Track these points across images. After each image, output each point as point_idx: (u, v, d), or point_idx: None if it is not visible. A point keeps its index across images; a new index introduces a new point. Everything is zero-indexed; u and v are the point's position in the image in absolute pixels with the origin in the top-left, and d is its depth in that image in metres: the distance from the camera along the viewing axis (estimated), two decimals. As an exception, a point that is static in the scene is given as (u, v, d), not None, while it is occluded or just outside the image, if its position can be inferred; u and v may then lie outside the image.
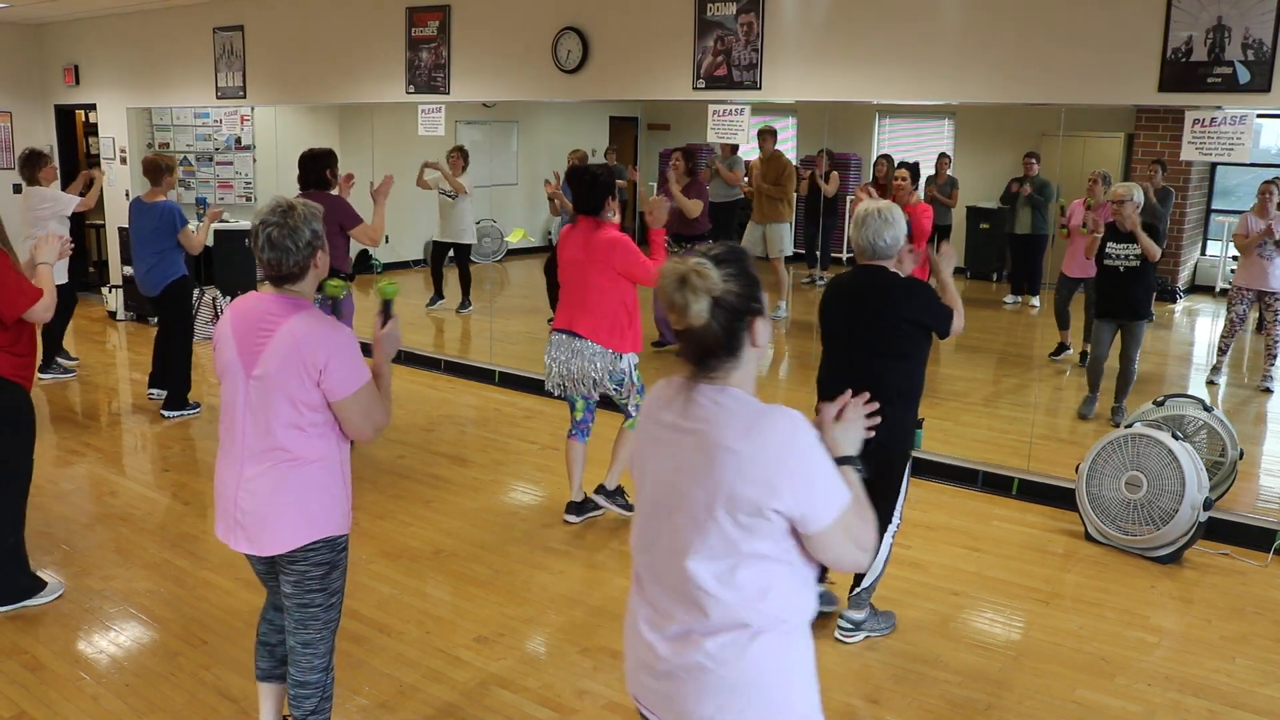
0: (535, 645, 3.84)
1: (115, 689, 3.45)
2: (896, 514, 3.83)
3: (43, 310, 3.83)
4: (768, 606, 1.78)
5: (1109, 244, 6.03)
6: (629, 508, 4.98)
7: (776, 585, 1.79)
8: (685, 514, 1.79)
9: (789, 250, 8.75)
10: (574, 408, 4.90)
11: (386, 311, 2.81)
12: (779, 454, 1.73)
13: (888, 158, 8.01)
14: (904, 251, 3.77)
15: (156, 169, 6.49)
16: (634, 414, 4.84)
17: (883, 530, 3.72)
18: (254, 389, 2.60)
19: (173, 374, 6.72)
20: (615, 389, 4.74)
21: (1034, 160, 8.17)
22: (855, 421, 2.01)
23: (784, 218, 8.66)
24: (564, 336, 4.72)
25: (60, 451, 5.96)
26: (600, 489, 4.96)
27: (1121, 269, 5.99)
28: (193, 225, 6.66)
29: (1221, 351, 7.13)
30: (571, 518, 4.95)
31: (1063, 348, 7.63)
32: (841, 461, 1.93)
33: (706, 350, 1.80)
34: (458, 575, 4.40)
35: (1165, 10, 4.76)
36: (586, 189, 4.63)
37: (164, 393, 6.80)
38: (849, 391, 2.04)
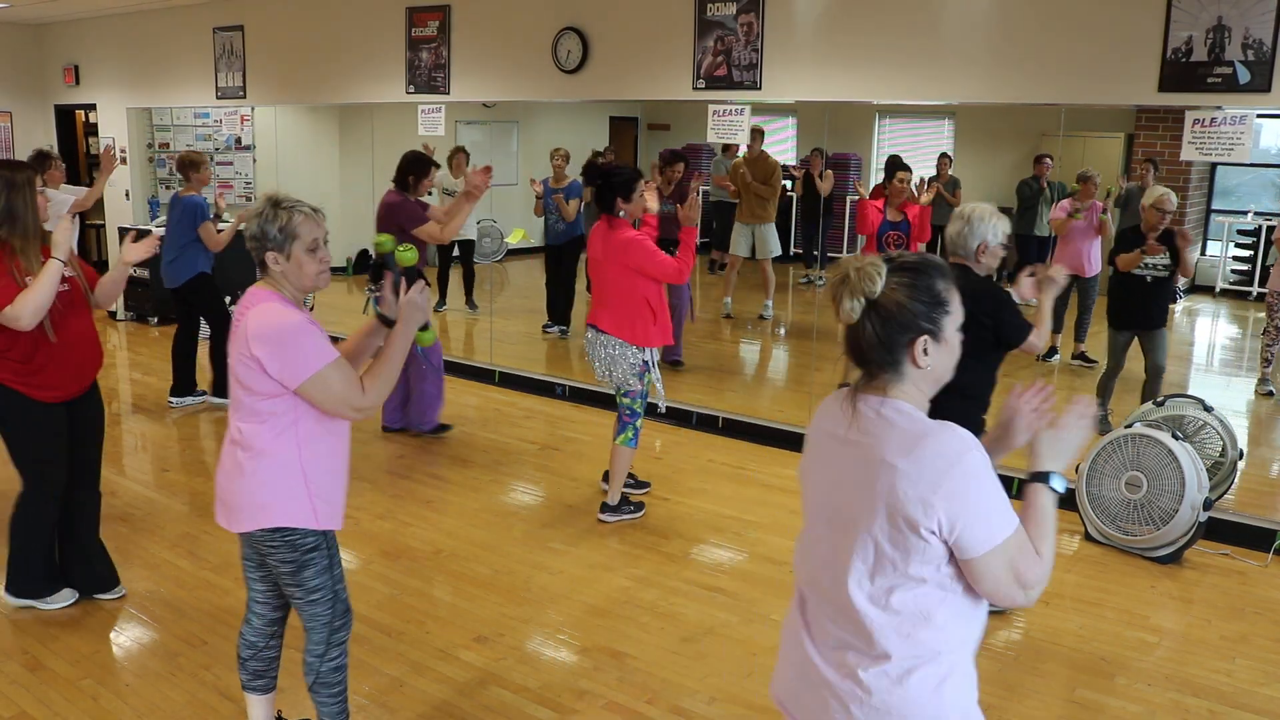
0: (535, 645, 3.84)
1: (115, 689, 3.45)
2: None
3: (12, 316, 3.45)
4: (926, 635, 1.72)
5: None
6: (639, 507, 5.04)
7: (936, 613, 1.72)
8: (845, 530, 1.75)
9: (778, 250, 8.75)
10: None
11: (410, 276, 2.74)
12: (940, 473, 1.66)
13: (897, 159, 7.93)
14: (1024, 278, 3.77)
15: (182, 165, 6.70)
16: (628, 428, 4.86)
17: None
18: (231, 376, 2.70)
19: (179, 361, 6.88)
20: (634, 380, 4.78)
21: (1048, 160, 8.06)
22: (1076, 430, 1.86)
23: (772, 218, 8.67)
24: (592, 332, 4.85)
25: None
26: (604, 508, 4.98)
27: (1149, 279, 5.75)
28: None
29: (1266, 363, 7.06)
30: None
31: (1053, 351, 7.60)
32: (1037, 477, 1.82)
33: (860, 353, 1.76)
34: (458, 575, 4.40)
35: (1165, 10, 4.76)
36: (599, 188, 4.75)
37: (185, 400, 6.92)
38: (1039, 386, 1.92)
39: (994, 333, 3.63)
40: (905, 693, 1.72)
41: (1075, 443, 1.86)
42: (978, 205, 3.71)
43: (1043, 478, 1.83)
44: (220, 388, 6.91)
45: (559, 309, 8.84)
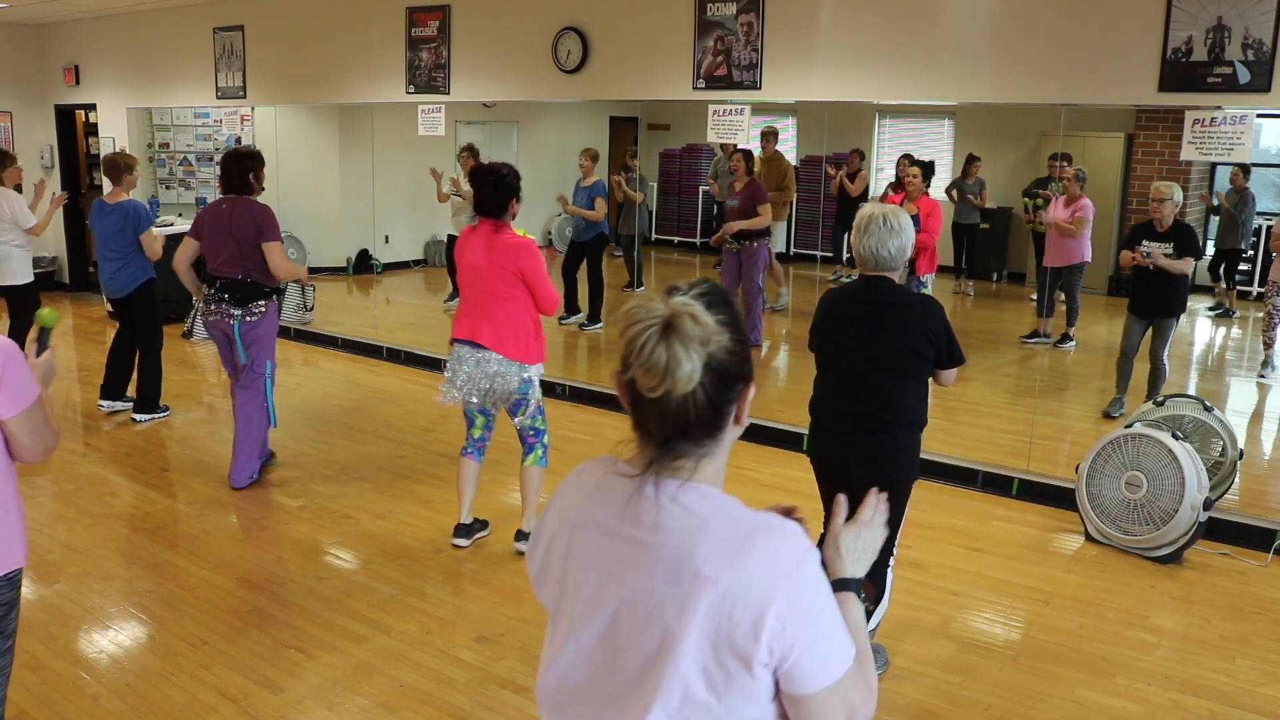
0: (535, 645, 3.84)
1: (115, 689, 3.45)
2: (895, 546, 3.61)
3: None
4: None
5: (1143, 241, 5.92)
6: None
7: None
8: (636, 657, 1.32)
9: (780, 246, 8.81)
10: (473, 424, 4.59)
11: (43, 341, 2.63)
12: (774, 589, 1.25)
13: (909, 157, 7.93)
14: None
15: (115, 168, 6.27)
16: (536, 447, 4.54)
17: (884, 563, 3.50)
18: None
19: (147, 377, 6.56)
20: (520, 401, 4.43)
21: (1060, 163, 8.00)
22: (874, 530, 1.56)
23: (781, 218, 8.65)
24: (467, 348, 4.35)
25: (60, 451, 5.95)
26: (520, 535, 4.61)
27: (1151, 267, 5.89)
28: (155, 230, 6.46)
29: (1268, 345, 7.21)
30: (460, 541, 4.64)
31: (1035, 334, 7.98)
32: (841, 585, 1.48)
33: (683, 429, 1.31)
34: (458, 575, 4.40)
35: (1165, 10, 4.76)
36: (490, 190, 4.26)
37: (115, 404, 6.68)
38: (872, 492, 1.62)
39: (944, 353, 3.32)
40: None
41: (873, 545, 1.57)
42: (891, 207, 3.30)
43: (850, 585, 1.49)
44: (111, 389, 6.69)
45: (590, 302, 8.84)
